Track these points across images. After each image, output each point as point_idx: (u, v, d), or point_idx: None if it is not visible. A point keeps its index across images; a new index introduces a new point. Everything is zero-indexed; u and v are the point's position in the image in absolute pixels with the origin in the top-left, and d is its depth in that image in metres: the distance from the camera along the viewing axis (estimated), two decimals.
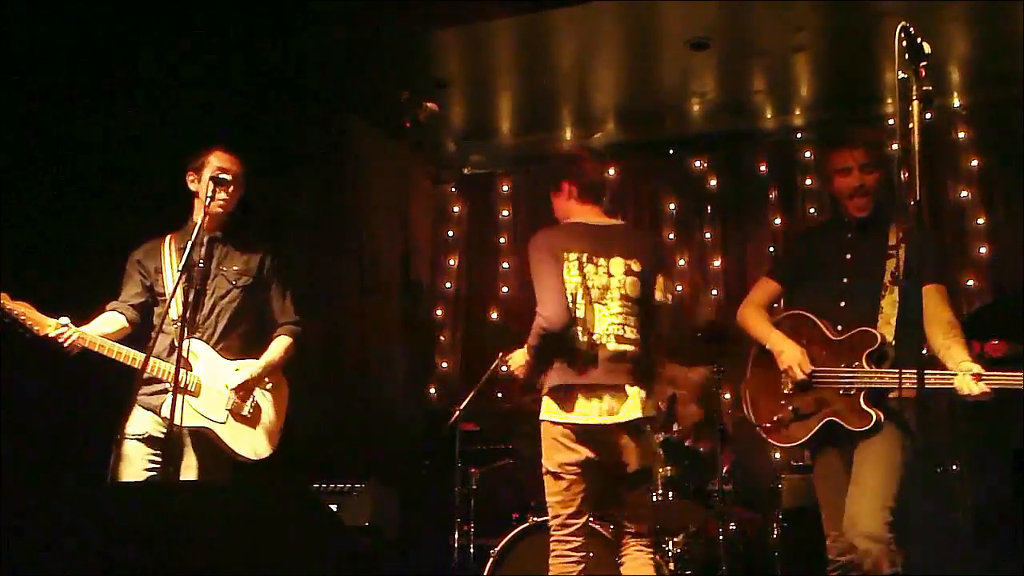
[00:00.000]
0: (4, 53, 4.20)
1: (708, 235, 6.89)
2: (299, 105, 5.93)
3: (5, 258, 4.02)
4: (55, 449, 4.16)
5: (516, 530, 4.56)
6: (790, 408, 3.53)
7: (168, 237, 4.02)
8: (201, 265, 3.71)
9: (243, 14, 5.06)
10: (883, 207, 3.61)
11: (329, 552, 2.55)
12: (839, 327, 3.54)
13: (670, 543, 4.66)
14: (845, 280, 3.56)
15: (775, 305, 3.90)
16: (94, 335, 3.73)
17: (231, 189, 3.90)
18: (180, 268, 3.56)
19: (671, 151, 7.03)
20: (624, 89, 6.34)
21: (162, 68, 4.89)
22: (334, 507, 4.52)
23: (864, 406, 3.37)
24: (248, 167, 4.03)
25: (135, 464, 3.71)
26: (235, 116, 5.10)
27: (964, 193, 6.25)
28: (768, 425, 3.57)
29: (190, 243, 3.55)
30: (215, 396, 3.82)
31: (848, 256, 3.59)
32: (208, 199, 3.79)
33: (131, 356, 3.70)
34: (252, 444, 3.89)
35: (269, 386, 3.99)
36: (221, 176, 3.82)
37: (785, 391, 3.56)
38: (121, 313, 3.96)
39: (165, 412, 3.67)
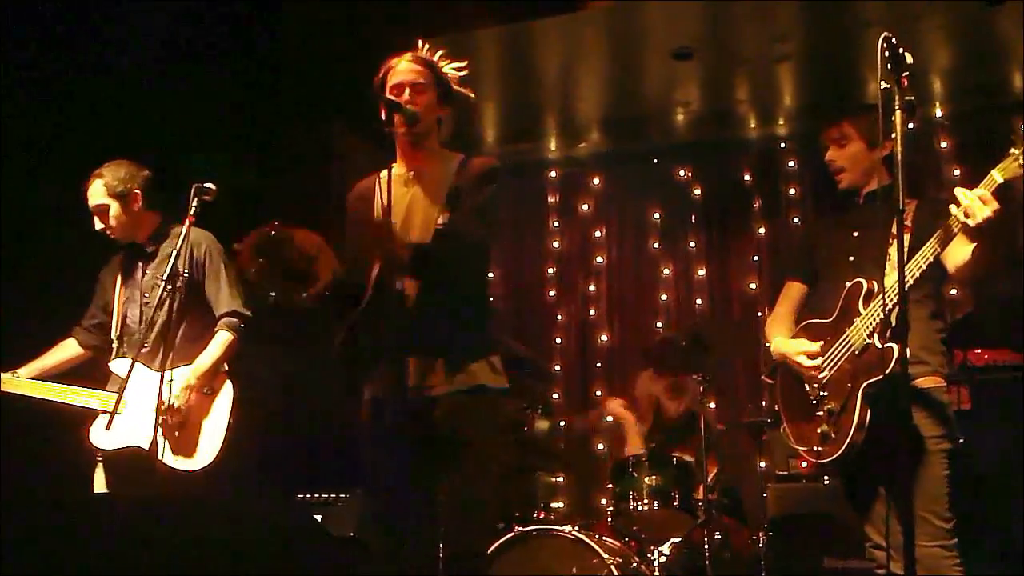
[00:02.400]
0: None
1: (692, 244, 6.91)
2: (284, 110, 5.91)
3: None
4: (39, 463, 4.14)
5: (500, 540, 4.54)
6: (820, 414, 3.18)
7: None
8: (141, 276, 3.72)
9: (228, 19, 5.05)
10: (889, 186, 3.25)
11: (314, 563, 2.53)
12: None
13: (655, 552, 4.64)
14: (851, 259, 3.30)
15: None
16: (19, 380, 3.70)
17: (108, 213, 3.78)
18: (165, 277, 3.46)
19: (655, 160, 7.05)
20: (609, 99, 6.35)
21: (145, 71, 4.88)
22: (319, 518, 4.50)
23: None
24: (232, 169, 4.00)
25: (98, 483, 3.71)
26: (219, 120, 5.09)
27: None
28: (805, 449, 3.23)
29: (173, 253, 3.44)
30: (141, 412, 3.62)
31: (855, 233, 3.34)
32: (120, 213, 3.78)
33: (58, 391, 3.69)
34: (189, 454, 3.64)
35: (206, 391, 3.70)
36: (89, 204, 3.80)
37: (813, 400, 3.22)
38: (74, 338, 3.90)
39: (91, 434, 3.65)
